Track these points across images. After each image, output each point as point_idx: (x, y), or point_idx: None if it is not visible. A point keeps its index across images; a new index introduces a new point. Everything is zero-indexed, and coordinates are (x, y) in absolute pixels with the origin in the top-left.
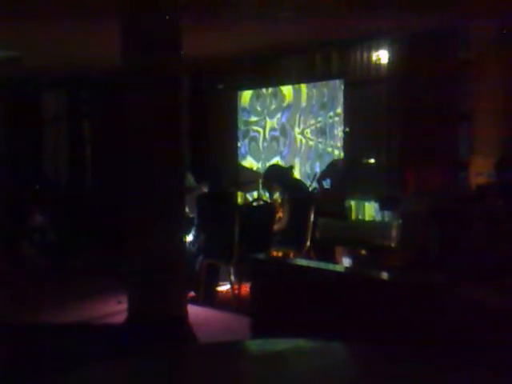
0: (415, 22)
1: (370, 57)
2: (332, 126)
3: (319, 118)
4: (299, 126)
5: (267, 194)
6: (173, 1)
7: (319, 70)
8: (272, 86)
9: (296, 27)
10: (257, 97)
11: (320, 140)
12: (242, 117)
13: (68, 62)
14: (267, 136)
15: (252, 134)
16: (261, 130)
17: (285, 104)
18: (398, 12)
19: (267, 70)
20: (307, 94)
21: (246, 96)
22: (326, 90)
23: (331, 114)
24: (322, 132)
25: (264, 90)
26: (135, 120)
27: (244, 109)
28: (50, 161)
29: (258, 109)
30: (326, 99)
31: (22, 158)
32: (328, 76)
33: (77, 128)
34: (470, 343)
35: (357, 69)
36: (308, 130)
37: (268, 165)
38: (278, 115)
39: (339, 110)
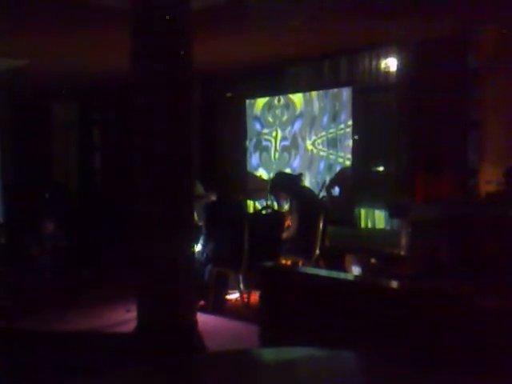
0: (424, 29)
1: (378, 64)
2: (343, 137)
3: (331, 130)
4: (310, 138)
5: (275, 202)
6: (184, 9)
7: (328, 78)
8: (281, 94)
9: (305, 36)
10: (268, 108)
11: (331, 151)
12: (253, 127)
13: (78, 70)
14: (278, 147)
15: (264, 144)
16: (272, 140)
17: (296, 114)
18: (406, 19)
19: (276, 78)
20: (319, 105)
21: (259, 105)
22: (337, 102)
23: (342, 126)
24: (333, 143)
25: (276, 102)
26: (145, 128)
27: (256, 118)
28: (60, 168)
29: (270, 120)
30: (337, 109)
31: (33, 165)
32: (337, 84)
33: (87, 135)
34: (481, 352)
35: (365, 76)
36: (319, 141)
37: (275, 173)
38: (289, 127)
39: (350, 122)
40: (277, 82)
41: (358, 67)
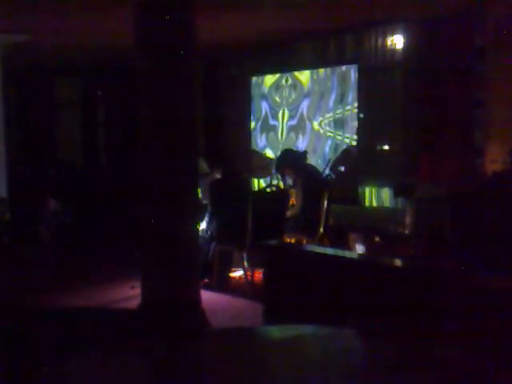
0: (430, 7)
1: (384, 42)
2: (350, 118)
3: (338, 111)
4: (317, 118)
5: (280, 180)
6: None
7: (333, 56)
8: (285, 71)
9: (310, 12)
10: (276, 88)
11: (338, 132)
12: (261, 107)
13: (82, 47)
14: (285, 127)
15: (271, 123)
16: (279, 120)
17: (303, 94)
18: None
19: (281, 56)
20: (326, 85)
21: (267, 85)
22: (344, 83)
23: (349, 107)
24: (340, 124)
25: (283, 82)
26: (149, 106)
27: (263, 97)
28: (65, 145)
29: (277, 100)
30: (344, 90)
31: (37, 143)
32: (342, 61)
33: (91, 112)
34: (483, 332)
35: (371, 54)
36: (326, 122)
37: (282, 150)
38: (297, 107)
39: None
40: (281, 59)
41: (364, 45)
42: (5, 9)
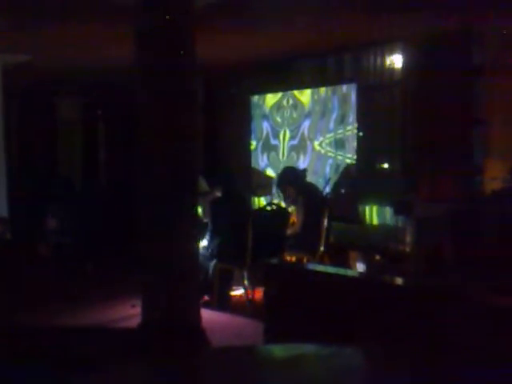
0: (429, 26)
1: (383, 61)
2: (351, 139)
3: (339, 131)
4: (318, 138)
5: (281, 197)
6: (187, 5)
7: (332, 75)
8: (285, 90)
9: (309, 32)
10: (277, 108)
11: (339, 152)
12: (262, 127)
13: (82, 66)
14: (286, 147)
15: (272, 143)
16: (281, 140)
17: (304, 115)
18: (411, 16)
19: (280, 75)
20: (327, 106)
21: (268, 105)
22: (345, 104)
23: (350, 127)
24: (341, 144)
25: (285, 102)
26: (149, 124)
27: (265, 118)
28: (65, 164)
29: (279, 120)
30: (345, 110)
31: (38, 161)
32: (341, 80)
33: (91, 131)
34: (486, 348)
35: (370, 73)
36: (327, 142)
37: (283, 167)
38: (298, 127)
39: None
40: (281, 78)
41: (363, 64)
42: (6, 29)
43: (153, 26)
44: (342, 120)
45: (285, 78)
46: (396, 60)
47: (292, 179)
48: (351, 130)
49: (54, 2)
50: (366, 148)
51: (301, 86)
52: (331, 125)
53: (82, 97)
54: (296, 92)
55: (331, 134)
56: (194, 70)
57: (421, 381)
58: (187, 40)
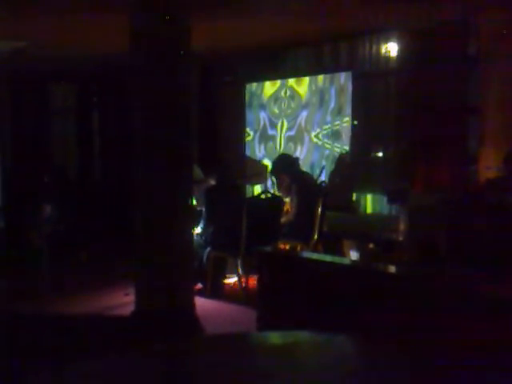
0: (425, 15)
1: (378, 49)
2: (348, 130)
3: (335, 122)
4: (315, 129)
5: (275, 185)
6: None
7: (328, 63)
8: (280, 78)
9: (305, 19)
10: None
11: (336, 144)
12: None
13: (78, 53)
14: (283, 137)
15: (269, 133)
16: (278, 131)
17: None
18: (407, 4)
19: (276, 63)
20: (324, 97)
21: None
22: (342, 95)
23: (347, 118)
24: (337, 136)
25: (282, 93)
26: (143, 112)
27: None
28: (59, 152)
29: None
30: (342, 102)
31: (31, 150)
32: (336, 68)
33: (86, 119)
34: (477, 337)
35: (365, 61)
36: (324, 133)
37: (277, 155)
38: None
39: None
40: (276, 66)
41: (358, 52)
42: (0, 16)
43: (148, 16)
44: (339, 111)
45: (280, 66)
46: (392, 48)
47: (286, 167)
48: (348, 121)
49: None
50: (360, 136)
51: (296, 74)
52: (328, 116)
53: (77, 84)
54: (294, 83)
55: (328, 125)
56: (189, 56)
57: (414, 368)
58: (183, 26)
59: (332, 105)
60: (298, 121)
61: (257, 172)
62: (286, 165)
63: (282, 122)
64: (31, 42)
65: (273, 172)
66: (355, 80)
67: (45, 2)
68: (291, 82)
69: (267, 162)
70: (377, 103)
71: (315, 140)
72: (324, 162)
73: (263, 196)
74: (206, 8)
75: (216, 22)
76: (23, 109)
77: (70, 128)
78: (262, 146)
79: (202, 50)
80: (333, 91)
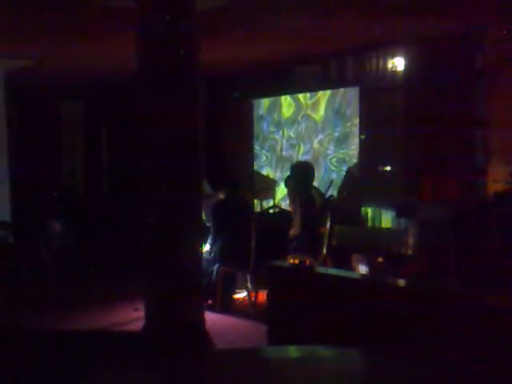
0: (431, 28)
1: (385, 63)
2: (350, 135)
3: (337, 128)
4: (317, 136)
5: (288, 195)
6: (189, 10)
7: (335, 78)
8: (288, 93)
9: (312, 35)
10: (274, 107)
11: (338, 150)
12: (260, 126)
13: (85, 70)
14: (285, 145)
15: (270, 142)
16: (279, 139)
17: (303, 113)
18: (414, 18)
19: (283, 78)
20: (325, 103)
21: (265, 104)
22: (343, 100)
23: (348, 123)
24: (339, 142)
25: (282, 100)
26: (152, 127)
27: (262, 116)
28: (67, 168)
29: (276, 118)
30: (343, 107)
31: (40, 165)
32: (344, 83)
33: (94, 135)
34: (486, 349)
35: (372, 76)
36: (326, 139)
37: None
38: (296, 125)
39: (356, 119)
40: (284, 82)
41: (365, 66)
42: (8, 35)
43: (154, 32)
44: (341, 117)
45: (288, 81)
46: (398, 63)
47: (296, 175)
48: (350, 126)
49: (56, 7)
50: (368, 150)
51: (303, 90)
52: (330, 122)
53: (85, 100)
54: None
55: (330, 132)
56: (197, 72)
57: (423, 381)
58: (190, 46)
59: (333, 110)
60: (300, 127)
61: (265, 187)
62: (297, 173)
63: (284, 130)
64: (40, 59)
65: (287, 181)
66: (362, 94)
67: (50, 20)
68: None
69: (269, 171)
70: (384, 117)
71: (317, 146)
72: (328, 174)
73: (272, 211)
74: (214, 25)
75: (224, 38)
76: (32, 126)
77: (79, 144)
78: (264, 154)
79: (210, 66)
80: (333, 97)
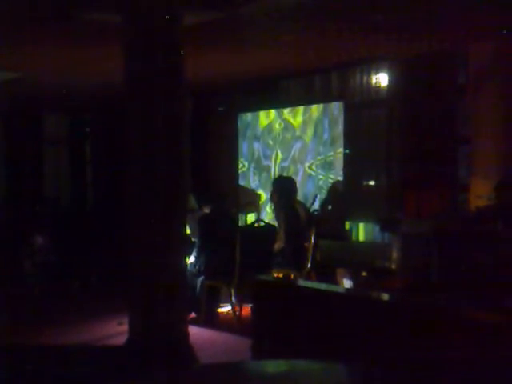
0: (414, 45)
1: (369, 79)
2: (342, 161)
3: (329, 154)
4: (309, 160)
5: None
6: (176, 24)
7: (319, 93)
8: (272, 108)
9: (297, 51)
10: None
11: (329, 174)
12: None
13: (70, 84)
14: (277, 169)
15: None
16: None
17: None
18: (397, 35)
19: (268, 93)
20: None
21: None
22: (335, 126)
23: (340, 149)
24: (331, 166)
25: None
26: (136, 142)
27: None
28: (50, 182)
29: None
30: (335, 133)
31: (23, 178)
32: (328, 98)
33: (77, 149)
34: (470, 364)
35: (357, 91)
36: (318, 163)
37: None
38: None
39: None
40: (269, 97)
41: (350, 82)
42: None
43: (141, 45)
44: (332, 142)
45: (273, 96)
46: (382, 78)
47: (279, 190)
48: (341, 152)
49: (44, 21)
50: (352, 165)
51: (288, 104)
52: (321, 147)
53: (70, 114)
54: (288, 115)
55: (322, 157)
56: (182, 88)
57: None
58: (176, 59)
59: (325, 136)
60: (292, 151)
61: (250, 201)
62: (280, 188)
63: (277, 153)
64: (24, 72)
65: (271, 195)
66: (346, 110)
67: (38, 34)
68: (286, 113)
69: (262, 192)
70: (368, 132)
71: (308, 171)
72: (317, 192)
73: (256, 225)
74: (199, 39)
75: (209, 53)
76: (16, 138)
77: (63, 158)
78: (257, 177)
79: (196, 80)
80: (326, 123)
